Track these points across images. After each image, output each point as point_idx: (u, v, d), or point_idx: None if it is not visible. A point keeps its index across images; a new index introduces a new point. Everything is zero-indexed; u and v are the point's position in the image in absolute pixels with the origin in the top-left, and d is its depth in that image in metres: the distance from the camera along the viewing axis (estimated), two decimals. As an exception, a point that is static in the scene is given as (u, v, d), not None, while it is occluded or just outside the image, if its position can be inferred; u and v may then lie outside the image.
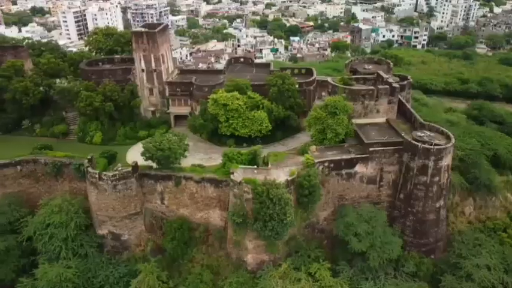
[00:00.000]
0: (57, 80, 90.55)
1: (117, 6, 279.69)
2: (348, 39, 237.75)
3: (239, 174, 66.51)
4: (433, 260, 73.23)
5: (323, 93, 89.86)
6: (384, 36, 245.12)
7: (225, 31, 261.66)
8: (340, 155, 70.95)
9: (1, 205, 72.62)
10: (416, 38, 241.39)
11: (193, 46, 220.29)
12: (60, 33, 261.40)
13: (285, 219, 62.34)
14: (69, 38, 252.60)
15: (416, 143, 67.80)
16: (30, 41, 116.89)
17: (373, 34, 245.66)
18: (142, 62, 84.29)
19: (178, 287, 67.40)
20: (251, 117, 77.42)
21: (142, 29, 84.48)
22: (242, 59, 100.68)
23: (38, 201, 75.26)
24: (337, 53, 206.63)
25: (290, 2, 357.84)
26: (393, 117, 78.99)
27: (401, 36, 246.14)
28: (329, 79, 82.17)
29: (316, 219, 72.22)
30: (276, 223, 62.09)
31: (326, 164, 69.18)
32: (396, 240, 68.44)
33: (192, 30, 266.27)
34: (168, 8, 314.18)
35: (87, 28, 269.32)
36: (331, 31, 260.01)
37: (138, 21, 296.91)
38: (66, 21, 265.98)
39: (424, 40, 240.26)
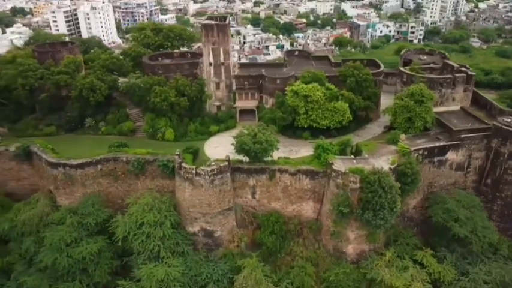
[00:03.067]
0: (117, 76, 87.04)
1: (108, 4, 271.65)
2: (347, 35, 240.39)
3: (339, 164, 66.05)
4: (520, 243, 75.04)
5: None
6: (380, 31, 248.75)
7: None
8: (430, 142, 71.61)
9: (85, 206, 69.53)
10: (412, 33, 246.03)
11: (193, 44, 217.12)
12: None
13: (395, 207, 62.47)
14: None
15: (509, 128, 69.12)
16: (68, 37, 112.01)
17: (369, 30, 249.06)
18: (211, 55, 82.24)
19: (283, 280, 66.15)
20: (331, 108, 76.76)
21: (213, 22, 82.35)
22: (297, 52, 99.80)
23: (117, 201, 73.16)
24: (341, 48, 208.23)
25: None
26: (467, 105, 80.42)
27: (398, 32, 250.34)
28: (402, 69, 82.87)
29: (406, 208, 72.59)
30: (387, 211, 62.00)
31: (420, 152, 69.67)
32: (491, 225, 69.66)
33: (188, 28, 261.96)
34: (159, 6, 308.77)
35: (78, 28, 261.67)
36: (328, 27, 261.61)
37: (128, 20, 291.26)
38: (56, 21, 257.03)
39: (420, 35, 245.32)
